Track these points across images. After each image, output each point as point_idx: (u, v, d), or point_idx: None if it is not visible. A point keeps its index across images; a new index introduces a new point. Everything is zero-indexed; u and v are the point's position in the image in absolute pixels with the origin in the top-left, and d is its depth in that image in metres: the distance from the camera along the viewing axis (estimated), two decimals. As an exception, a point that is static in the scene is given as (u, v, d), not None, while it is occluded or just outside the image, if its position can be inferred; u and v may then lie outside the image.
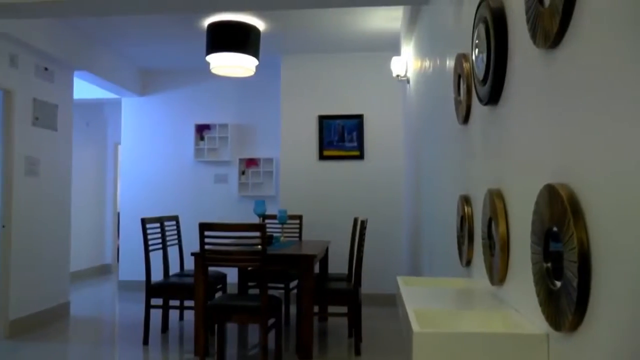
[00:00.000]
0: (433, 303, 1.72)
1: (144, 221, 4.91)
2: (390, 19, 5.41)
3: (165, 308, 5.13)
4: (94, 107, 9.00)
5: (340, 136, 6.53)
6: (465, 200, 2.25)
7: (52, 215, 5.79)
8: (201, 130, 7.45)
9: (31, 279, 5.44)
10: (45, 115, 5.66)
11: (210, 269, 4.83)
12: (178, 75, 7.62)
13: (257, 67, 5.75)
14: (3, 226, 5.11)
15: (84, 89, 7.37)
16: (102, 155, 9.37)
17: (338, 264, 6.16)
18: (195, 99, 7.57)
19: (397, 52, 6.16)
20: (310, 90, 6.60)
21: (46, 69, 5.67)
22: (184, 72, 7.59)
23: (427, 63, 3.80)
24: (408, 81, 5.26)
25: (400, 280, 2.09)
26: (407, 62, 5.21)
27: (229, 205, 7.38)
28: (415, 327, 1.31)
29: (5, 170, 5.14)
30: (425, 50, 3.94)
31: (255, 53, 5.45)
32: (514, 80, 1.60)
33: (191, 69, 7.49)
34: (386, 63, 6.33)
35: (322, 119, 6.54)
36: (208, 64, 5.74)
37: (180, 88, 7.62)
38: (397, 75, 5.26)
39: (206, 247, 3.99)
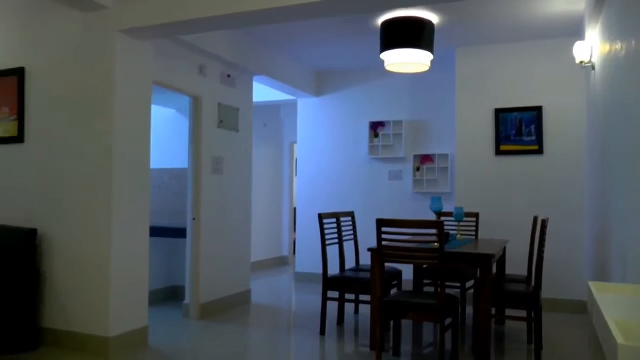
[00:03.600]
0: (635, 313, 1.55)
1: (321, 217, 5.07)
2: (572, 0, 5.04)
3: (341, 301, 5.26)
4: (271, 108, 9.51)
5: (518, 130, 6.22)
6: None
7: (235, 209, 6.22)
8: (375, 127, 7.53)
9: (218, 267, 5.90)
10: (229, 118, 6.09)
11: (386, 265, 4.86)
12: (352, 74, 7.78)
13: (431, 62, 5.68)
14: (194, 219, 5.60)
15: (262, 92, 7.83)
16: (279, 154, 9.89)
17: (516, 265, 5.88)
18: (369, 97, 7.67)
19: (579, 36, 5.73)
20: (486, 82, 6.37)
21: (229, 75, 6.11)
22: (358, 71, 7.73)
23: (618, 46, 3.47)
24: (593, 67, 4.86)
25: (592, 286, 1.93)
26: (592, 47, 4.82)
27: (403, 202, 7.39)
28: (619, 339, 1.20)
29: (195, 169, 5.63)
30: (617, 31, 3.60)
31: (429, 48, 5.38)
32: None
33: (365, 68, 7.61)
34: (566, 50, 5.93)
35: (499, 113, 6.28)
36: (382, 62, 5.79)
37: (354, 87, 7.78)
38: (581, 62, 4.88)
39: (383, 243, 4.02)
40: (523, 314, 4.91)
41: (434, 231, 3.96)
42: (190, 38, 5.17)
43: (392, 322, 4.53)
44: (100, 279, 4.36)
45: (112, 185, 4.36)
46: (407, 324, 5.26)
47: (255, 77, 6.64)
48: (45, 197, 4.66)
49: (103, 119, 4.42)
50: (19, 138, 4.80)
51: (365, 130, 7.63)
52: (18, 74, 4.82)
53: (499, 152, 6.26)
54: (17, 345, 4.37)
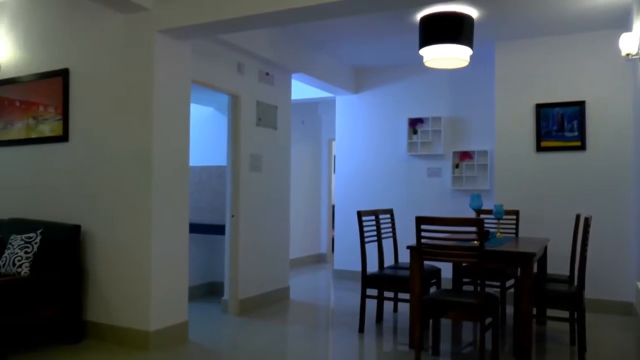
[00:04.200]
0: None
1: (359, 214, 5.06)
2: (619, -9, 4.90)
3: (380, 299, 5.24)
4: (309, 106, 9.53)
5: (560, 125, 6.08)
6: None
7: (273, 206, 6.26)
8: (414, 124, 7.47)
9: (256, 263, 5.95)
10: (267, 116, 6.13)
11: (425, 262, 4.82)
12: (390, 71, 7.74)
13: (470, 57, 5.60)
14: (232, 216, 5.66)
15: (300, 89, 7.84)
16: (316, 151, 9.90)
17: (557, 264, 5.74)
18: (408, 94, 7.61)
19: (626, 27, 5.56)
20: (527, 77, 6.24)
21: (267, 73, 6.14)
22: (396, 67, 7.68)
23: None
24: (640, 60, 4.72)
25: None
26: (640, 38, 4.67)
27: (442, 199, 7.31)
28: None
29: (234, 167, 5.69)
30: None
31: (469, 43, 5.31)
32: None
33: (403, 64, 7.56)
34: (611, 42, 5.75)
35: (540, 108, 6.14)
36: (421, 57, 5.73)
37: (392, 83, 7.73)
38: (627, 54, 4.72)
39: (422, 240, 3.99)
40: (565, 314, 4.79)
41: (473, 229, 3.90)
42: (229, 37, 5.22)
43: (431, 321, 4.49)
44: (141, 275, 4.45)
45: (152, 183, 4.43)
46: (446, 323, 5.21)
47: (293, 75, 6.66)
48: (88, 194, 4.77)
49: (143, 118, 4.49)
50: (63, 137, 4.93)
51: (404, 127, 7.57)
52: (63, 75, 4.94)
53: (539, 149, 6.13)
54: (63, 338, 4.51)
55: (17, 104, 5.26)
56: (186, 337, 4.71)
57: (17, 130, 5.25)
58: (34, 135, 5.13)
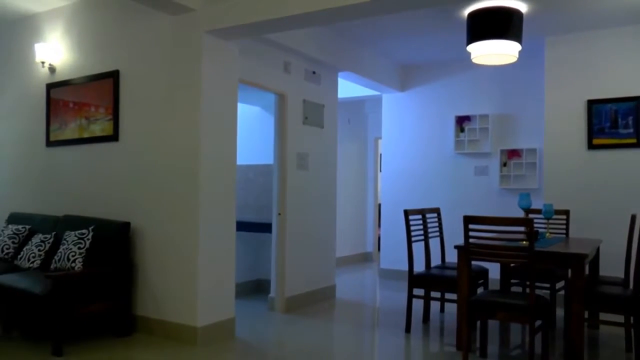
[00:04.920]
0: None
1: (406, 213, 5.02)
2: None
3: (427, 299, 5.19)
4: (356, 104, 9.51)
5: (613, 122, 5.88)
6: None
7: (320, 205, 6.27)
8: (461, 121, 7.36)
9: (303, 261, 5.97)
10: (314, 115, 6.14)
11: (472, 262, 4.74)
12: (437, 68, 7.64)
13: (518, 52, 5.47)
14: (279, 214, 5.69)
15: (347, 88, 7.83)
16: (363, 150, 9.87)
17: (611, 267, 5.55)
18: (455, 91, 7.51)
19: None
20: (578, 72, 6.05)
21: (314, 72, 6.15)
22: (443, 64, 7.58)
23: None
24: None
25: None
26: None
27: (489, 198, 7.18)
28: None
29: (281, 165, 5.72)
30: None
31: (517, 38, 5.19)
32: None
33: (450, 61, 7.46)
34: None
35: (592, 104, 5.95)
36: (468, 54, 5.64)
37: (439, 81, 7.63)
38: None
39: (470, 240, 3.92)
40: (619, 318, 4.63)
41: (522, 229, 3.81)
42: (275, 36, 5.24)
43: (478, 322, 4.42)
44: (189, 271, 4.52)
45: (200, 181, 4.50)
46: (493, 325, 5.11)
47: (340, 73, 6.65)
48: (137, 192, 4.88)
49: (191, 117, 4.56)
50: (114, 137, 5.06)
51: (451, 125, 7.47)
52: (113, 76, 5.06)
53: (591, 146, 5.94)
54: (114, 331, 4.65)
55: (71, 105, 5.42)
56: (233, 334, 4.76)
57: (71, 131, 5.41)
58: (86, 135, 5.28)
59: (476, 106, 7.33)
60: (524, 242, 3.84)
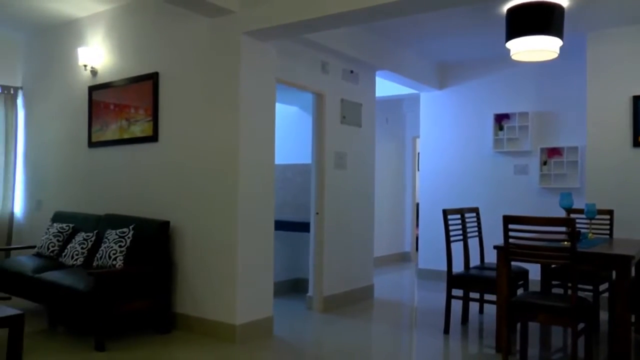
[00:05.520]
0: None
1: (445, 212, 4.96)
2: None
3: (466, 299, 5.12)
4: (393, 103, 9.45)
5: (660, 119, 5.71)
6: None
7: (358, 204, 6.25)
8: (500, 120, 7.25)
9: (341, 261, 5.97)
10: (351, 114, 6.13)
11: (512, 263, 4.67)
12: (475, 66, 7.54)
13: (559, 48, 5.36)
14: (317, 213, 5.70)
15: (384, 87, 7.79)
16: (400, 149, 9.82)
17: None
18: (493, 89, 7.40)
19: None
20: (622, 67, 5.88)
21: (352, 71, 6.14)
22: (482, 62, 7.47)
23: None
24: None
25: None
26: None
27: (529, 197, 7.05)
28: None
29: (319, 164, 5.73)
30: None
31: (559, 33, 5.07)
32: None
33: (489, 59, 7.35)
34: None
35: (637, 100, 5.78)
36: (507, 51, 5.55)
37: (478, 79, 7.53)
38: None
39: (510, 240, 3.86)
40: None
41: (563, 229, 3.73)
42: (312, 36, 5.25)
43: (519, 324, 4.34)
44: (228, 269, 4.57)
45: (239, 181, 4.54)
46: (533, 327, 5.02)
47: (377, 72, 6.62)
48: (177, 191, 4.96)
49: (230, 118, 4.61)
50: (153, 137, 5.15)
51: (490, 123, 7.36)
52: (153, 78, 5.15)
53: (636, 144, 5.77)
54: (154, 328, 4.74)
55: (112, 106, 5.54)
56: (271, 332, 4.80)
57: (112, 132, 5.53)
58: (126, 136, 5.39)
59: (515, 104, 7.21)
60: (566, 242, 3.76)
